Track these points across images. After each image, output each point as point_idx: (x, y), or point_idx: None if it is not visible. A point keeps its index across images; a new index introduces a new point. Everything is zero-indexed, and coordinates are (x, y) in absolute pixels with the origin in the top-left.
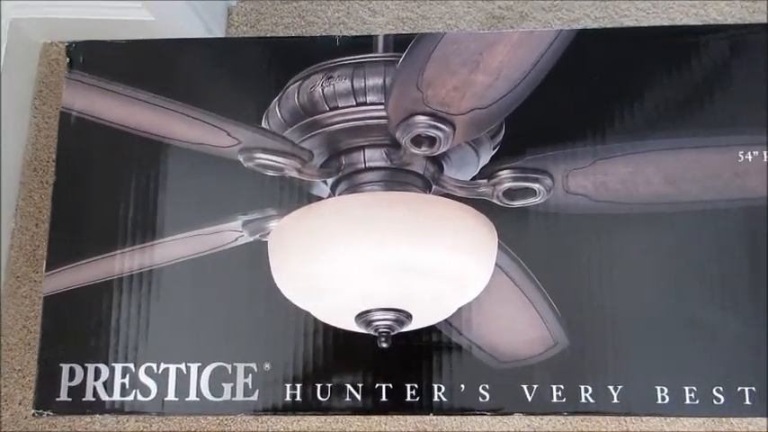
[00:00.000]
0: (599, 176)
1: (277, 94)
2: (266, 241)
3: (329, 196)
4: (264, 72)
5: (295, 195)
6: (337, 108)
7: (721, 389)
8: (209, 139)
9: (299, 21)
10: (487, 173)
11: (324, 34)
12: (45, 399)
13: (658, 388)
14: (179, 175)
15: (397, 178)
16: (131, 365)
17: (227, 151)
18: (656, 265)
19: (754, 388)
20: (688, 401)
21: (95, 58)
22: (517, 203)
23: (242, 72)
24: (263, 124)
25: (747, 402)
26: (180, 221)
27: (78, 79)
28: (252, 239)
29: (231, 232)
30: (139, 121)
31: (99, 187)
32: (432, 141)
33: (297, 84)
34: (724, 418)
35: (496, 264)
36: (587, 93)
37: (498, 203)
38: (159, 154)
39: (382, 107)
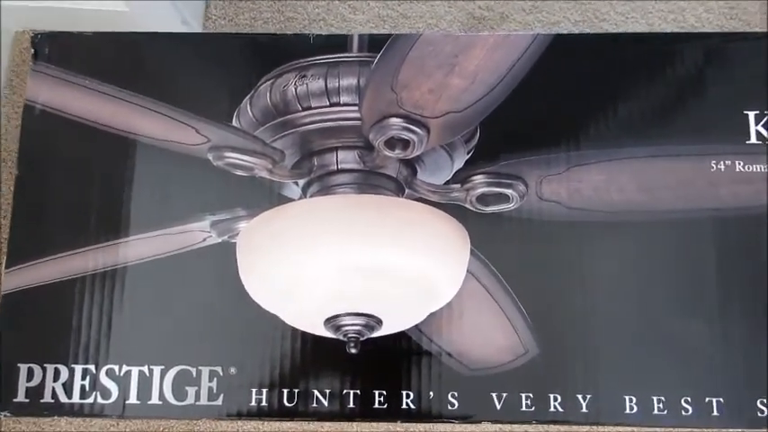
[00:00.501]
0: (573, 183)
1: (249, 92)
2: (235, 242)
3: (300, 198)
4: (237, 69)
5: (265, 196)
6: (310, 108)
7: (689, 399)
8: (177, 137)
9: (278, 16)
10: (461, 177)
11: (302, 31)
12: (2, 399)
13: (627, 397)
14: (146, 173)
15: (370, 181)
16: (92, 367)
17: (196, 149)
18: (627, 274)
19: (722, 399)
20: (656, 411)
21: (61, 50)
22: (490, 209)
23: (214, 68)
24: (234, 123)
25: (715, 413)
26: (146, 220)
27: (43, 71)
28: (220, 240)
29: (199, 232)
30: (105, 115)
31: (63, 183)
32: (405, 144)
33: (269, 82)
34: (692, 429)
35: (468, 270)
36: (563, 98)
37: (471, 209)
38: (126, 150)
39: (356, 108)
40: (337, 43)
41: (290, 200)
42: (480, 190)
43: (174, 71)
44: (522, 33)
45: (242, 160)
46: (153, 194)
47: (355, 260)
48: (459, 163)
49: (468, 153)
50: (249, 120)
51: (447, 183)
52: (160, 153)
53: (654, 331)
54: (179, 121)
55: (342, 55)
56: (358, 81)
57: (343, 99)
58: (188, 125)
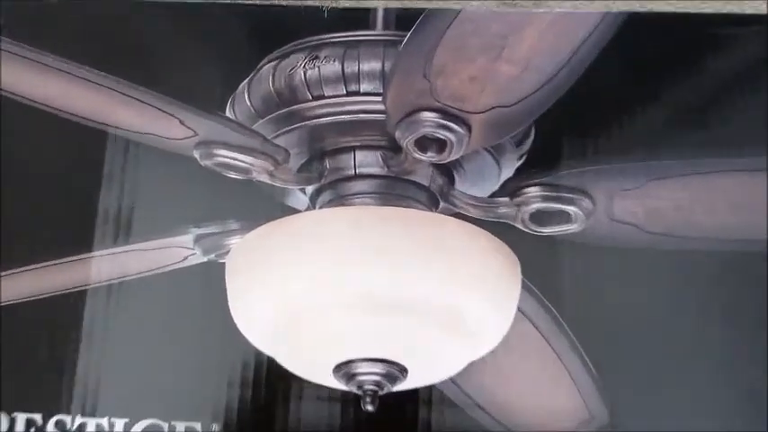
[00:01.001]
0: (652, 201)
1: (248, 75)
2: (224, 263)
3: (308, 209)
4: (233, 46)
5: (264, 205)
6: (323, 97)
7: None
8: (157, 129)
9: None
10: (511, 189)
11: (314, 2)
12: None
13: None
14: (119, 173)
15: (396, 190)
16: (38, 417)
17: (180, 145)
18: (718, 318)
19: None
20: None
21: (22, 22)
22: (548, 230)
23: (204, 45)
24: (228, 113)
25: None
26: (115, 231)
27: (3, 48)
28: (205, 259)
29: (179, 249)
30: (75, 102)
31: (23, 185)
32: (441, 145)
33: (273, 63)
34: None
35: (519, 307)
36: (639, 94)
37: (523, 229)
38: (93, 145)
39: (379, 99)
40: (358, 18)
41: (296, 211)
42: (535, 206)
43: (158, 49)
44: (587, 11)
45: (236, 160)
46: (124, 200)
47: (375, 290)
48: (508, 171)
49: (519, 159)
50: (246, 110)
51: (493, 195)
52: (135, 149)
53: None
54: (158, 108)
55: (363, 32)
56: (382, 65)
57: (364, 87)
58: (170, 114)
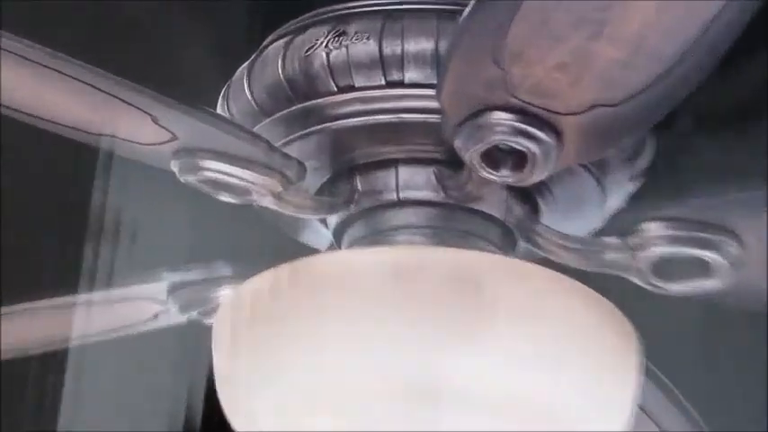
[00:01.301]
0: None
1: (249, 56)
2: (209, 324)
3: (330, 248)
4: (228, 17)
5: (267, 242)
6: (352, 89)
7: None
8: (121, 128)
9: None
10: (622, 226)
11: None
12: None
13: None
14: (74, 196)
15: (455, 223)
16: None
17: (153, 152)
18: None
19: None
20: None
21: None
22: (677, 287)
23: (191, 16)
24: (221, 108)
25: None
26: (58, 278)
27: None
28: (184, 318)
29: (147, 302)
30: (24, 94)
31: None
32: (520, 160)
33: (283, 41)
34: None
35: (641, 405)
36: None
37: (642, 284)
38: (63, 156)
39: (432, 93)
40: None
41: (313, 251)
42: (657, 250)
43: (132, 23)
44: None
45: (229, 175)
46: (71, 234)
47: (424, 372)
48: (616, 199)
49: (633, 181)
50: (246, 105)
51: (597, 234)
52: (91, 158)
53: None
54: (124, 101)
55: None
56: (436, 45)
57: (410, 75)
58: (140, 109)
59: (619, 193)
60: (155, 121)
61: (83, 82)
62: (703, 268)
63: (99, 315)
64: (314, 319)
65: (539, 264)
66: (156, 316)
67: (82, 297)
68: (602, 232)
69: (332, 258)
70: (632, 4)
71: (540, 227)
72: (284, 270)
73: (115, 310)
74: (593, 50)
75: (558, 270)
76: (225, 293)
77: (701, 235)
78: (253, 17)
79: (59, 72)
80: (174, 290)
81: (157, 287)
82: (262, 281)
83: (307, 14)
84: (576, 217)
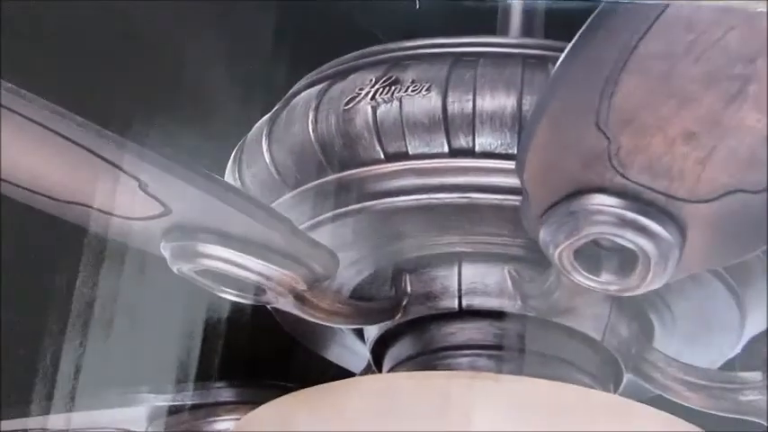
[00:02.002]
0: None
1: (270, 108)
2: None
3: (367, 371)
4: (247, 58)
5: (282, 358)
6: (405, 156)
7: None
8: (99, 196)
9: None
10: (765, 357)
11: None
12: None
13: None
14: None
15: (538, 345)
16: None
17: (140, 230)
18: None
19: None
20: None
21: None
22: None
23: (201, 54)
24: (230, 175)
25: None
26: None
27: None
28: None
29: None
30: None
31: None
32: (627, 261)
33: (316, 89)
34: None
35: None
36: None
37: None
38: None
39: (511, 165)
40: (475, 13)
41: (346, 374)
42: None
43: (130, 63)
44: None
45: (238, 266)
46: (30, 346)
47: None
48: (759, 319)
49: None
50: (263, 171)
51: (729, 366)
52: (59, 239)
53: None
54: (104, 158)
55: (484, 39)
56: (518, 102)
57: (483, 141)
58: (123, 171)
59: (762, 312)
60: (142, 187)
61: (49, 129)
62: None
63: None
64: None
65: (651, 404)
66: None
67: (37, 420)
68: (737, 364)
69: (366, 384)
70: None
71: (654, 354)
72: (303, 397)
73: None
74: (732, 117)
75: (677, 413)
76: (223, 426)
77: None
78: (277, 59)
79: (20, 115)
80: (155, 418)
81: (135, 413)
82: (273, 410)
83: (349, 55)
84: (704, 343)
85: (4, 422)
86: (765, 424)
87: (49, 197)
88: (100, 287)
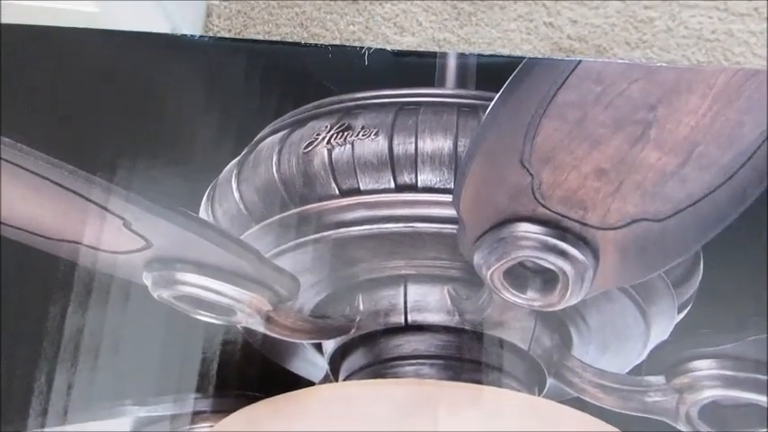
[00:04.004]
0: None
1: (239, 152)
2: None
3: (325, 380)
4: (217, 107)
5: (251, 371)
6: (357, 192)
7: None
8: (87, 234)
9: (299, 31)
10: (667, 363)
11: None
12: None
13: None
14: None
15: (473, 354)
16: None
17: (124, 262)
18: None
19: None
20: None
21: None
22: None
23: (171, 101)
24: (204, 212)
25: None
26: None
27: None
28: None
29: None
30: None
31: None
32: (550, 281)
33: (279, 136)
34: None
35: None
36: None
37: None
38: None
39: (449, 199)
40: (416, 67)
41: (306, 383)
42: (708, 394)
43: (106, 102)
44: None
45: (212, 291)
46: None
47: None
48: (661, 330)
49: (680, 310)
50: (233, 208)
51: (636, 371)
52: (48, 270)
53: None
54: (93, 201)
55: (424, 90)
56: (454, 144)
57: (424, 178)
58: (109, 212)
59: (663, 324)
60: (126, 225)
61: (43, 177)
62: (762, 416)
63: None
64: None
65: (570, 405)
66: None
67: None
68: (642, 369)
69: (325, 392)
70: (681, 104)
71: (573, 361)
72: (270, 405)
73: None
74: (637, 156)
75: (592, 413)
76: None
77: (760, 377)
78: (244, 108)
79: (16, 165)
80: (139, 427)
81: (119, 424)
82: (243, 417)
83: (306, 105)
84: (615, 351)
85: None
86: (669, 422)
87: (43, 236)
88: (81, 316)
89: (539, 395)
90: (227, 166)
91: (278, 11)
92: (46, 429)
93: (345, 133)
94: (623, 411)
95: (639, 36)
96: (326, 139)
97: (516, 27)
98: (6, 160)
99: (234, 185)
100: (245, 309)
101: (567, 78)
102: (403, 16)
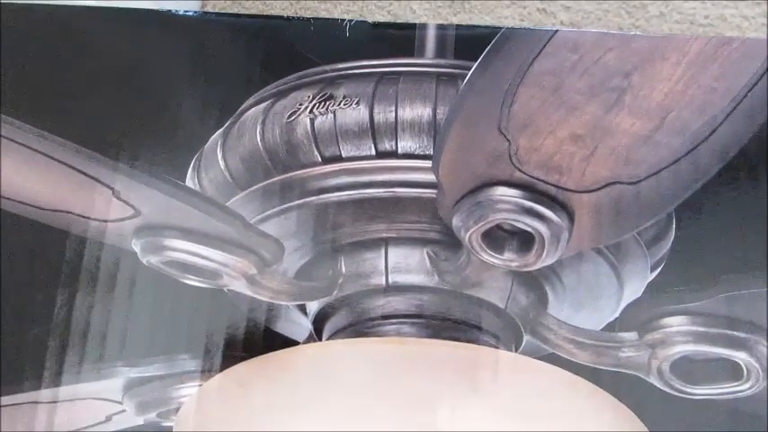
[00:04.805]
0: None
1: (223, 122)
2: (168, 427)
3: (309, 339)
4: (203, 77)
5: (237, 332)
6: (339, 159)
7: None
8: (75, 203)
9: (290, 8)
10: (640, 319)
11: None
12: None
13: None
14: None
15: (452, 313)
16: None
17: (112, 231)
18: None
19: None
20: None
21: None
22: (701, 391)
23: (159, 74)
24: (190, 181)
25: None
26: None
27: None
28: (141, 421)
29: (101, 402)
30: None
31: None
32: (526, 242)
33: (262, 106)
34: None
35: None
36: None
37: (661, 386)
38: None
39: (428, 165)
40: (395, 39)
41: (291, 342)
42: (679, 349)
43: (95, 75)
44: (759, 37)
45: (198, 256)
46: (15, 324)
47: None
48: (633, 288)
49: (653, 269)
50: (218, 176)
51: (610, 328)
52: (38, 235)
53: None
54: (83, 172)
55: (404, 61)
56: (433, 112)
57: (404, 145)
58: (99, 182)
59: (636, 283)
60: (115, 194)
61: (34, 150)
62: (732, 370)
63: (42, 418)
64: (288, 418)
65: (545, 360)
66: (108, 418)
67: (21, 396)
68: (616, 326)
69: (309, 351)
70: (655, 71)
71: (548, 318)
72: (255, 364)
73: (60, 413)
74: (611, 122)
75: (567, 367)
76: (188, 392)
77: (729, 332)
78: (229, 80)
79: (8, 139)
80: (130, 387)
81: (111, 384)
82: (230, 376)
83: (289, 76)
84: (589, 308)
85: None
86: (641, 376)
87: (36, 207)
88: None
89: (515, 351)
90: (213, 136)
91: (272, 1)
92: (42, 391)
93: (327, 103)
94: (597, 366)
95: (632, 21)
96: (309, 109)
97: (510, 14)
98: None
99: (219, 155)
100: (231, 273)
101: (543, 47)
102: (397, 4)
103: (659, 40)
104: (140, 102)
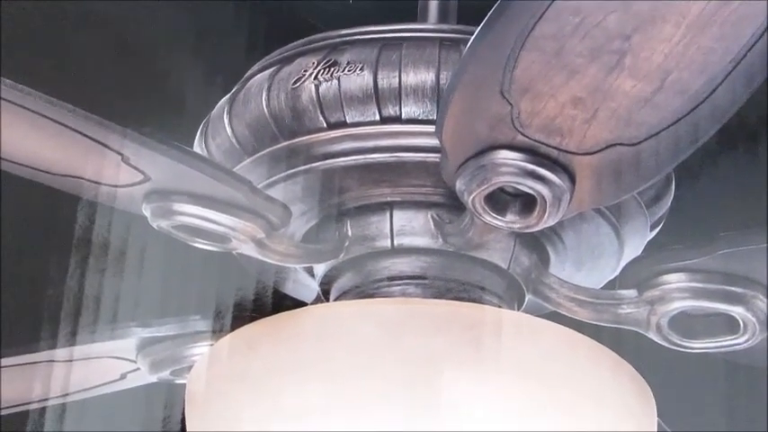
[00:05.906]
0: None
1: (230, 89)
2: (181, 384)
3: (316, 301)
4: (208, 46)
5: (246, 294)
6: (344, 125)
7: None
8: (88, 169)
9: None
10: (640, 277)
11: None
12: None
13: None
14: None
15: (456, 274)
16: None
17: (124, 195)
18: None
19: None
20: None
21: None
22: (699, 344)
23: (165, 44)
24: (198, 147)
25: None
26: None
27: None
28: (155, 379)
29: (114, 361)
30: None
31: None
32: (528, 204)
33: (268, 72)
34: None
35: None
36: None
37: (660, 341)
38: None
39: (432, 129)
40: (399, 6)
41: (299, 304)
42: (678, 305)
43: (99, 48)
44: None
45: (207, 220)
46: (28, 288)
47: None
48: (633, 247)
49: (652, 229)
50: (226, 142)
51: (611, 286)
52: (54, 202)
53: None
54: (91, 138)
55: (407, 26)
56: (437, 77)
57: (408, 110)
58: (108, 147)
59: (636, 242)
60: (125, 159)
61: (44, 116)
62: (728, 324)
63: (59, 375)
64: (296, 377)
65: (547, 318)
66: (123, 376)
67: (40, 355)
68: (617, 284)
69: (316, 312)
70: (655, 33)
71: (550, 278)
72: (264, 325)
73: (77, 370)
74: (612, 84)
75: (568, 325)
76: (200, 351)
77: (726, 288)
78: (234, 46)
79: (19, 105)
80: (143, 347)
81: (126, 344)
82: (240, 336)
83: (294, 43)
84: (590, 267)
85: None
86: (640, 332)
87: (47, 172)
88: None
89: (518, 310)
90: (219, 103)
91: None
92: (57, 350)
93: (332, 69)
94: (597, 322)
95: None
96: (314, 75)
97: None
98: (7, 100)
99: (226, 121)
100: (240, 236)
101: (545, 11)
102: None
103: (659, 2)
104: (147, 70)
